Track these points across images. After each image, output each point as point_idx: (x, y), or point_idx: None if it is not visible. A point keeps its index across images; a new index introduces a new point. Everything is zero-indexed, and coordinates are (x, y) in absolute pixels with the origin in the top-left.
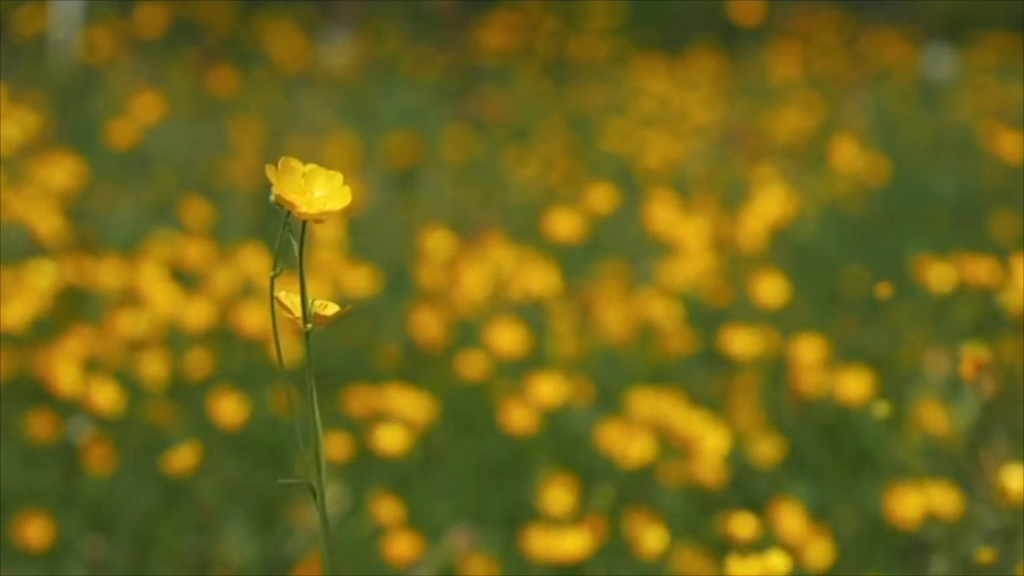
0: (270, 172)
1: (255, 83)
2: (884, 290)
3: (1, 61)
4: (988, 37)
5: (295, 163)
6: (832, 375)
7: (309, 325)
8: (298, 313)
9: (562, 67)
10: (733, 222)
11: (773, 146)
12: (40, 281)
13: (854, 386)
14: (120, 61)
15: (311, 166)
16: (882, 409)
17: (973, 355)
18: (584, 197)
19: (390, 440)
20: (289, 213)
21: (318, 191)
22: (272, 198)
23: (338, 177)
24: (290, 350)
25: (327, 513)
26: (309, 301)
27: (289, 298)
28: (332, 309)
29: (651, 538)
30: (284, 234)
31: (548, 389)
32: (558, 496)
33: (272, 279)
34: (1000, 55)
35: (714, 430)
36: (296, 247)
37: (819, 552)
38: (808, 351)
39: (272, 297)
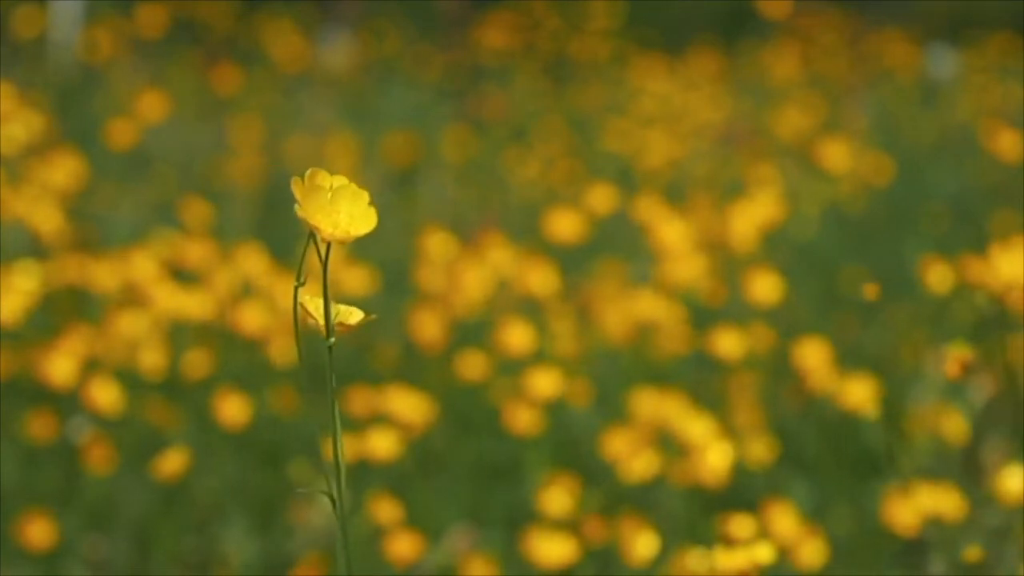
0: (296, 186)
1: (255, 83)
2: (871, 291)
3: (1, 61)
4: (989, 37)
5: (323, 178)
6: (835, 378)
7: (332, 339)
8: (323, 321)
9: (562, 67)
10: (724, 223)
11: (774, 146)
12: (26, 282)
13: (857, 390)
14: (120, 61)
15: (339, 182)
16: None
17: (958, 355)
18: (584, 197)
19: (387, 441)
20: (313, 230)
21: (343, 212)
22: (297, 212)
23: (364, 197)
24: (289, 352)
25: (326, 514)
26: (333, 310)
27: (314, 303)
28: (356, 316)
29: (642, 544)
30: (308, 245)
31: (546, 383)
32: (557, 497)
33: (296, 288)
34: (1001, 55)
35: (716, 432)
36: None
37: (812, 552)
38: (812, 354)
39: (295, 303)
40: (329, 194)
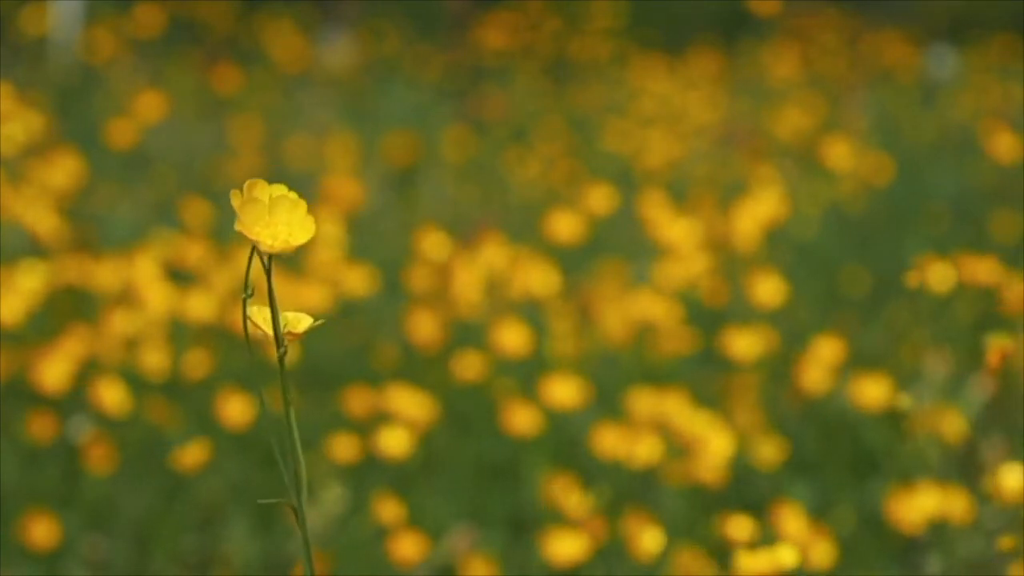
0: (234, 198)
1: (255, 83)
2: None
3: (1, 61)
4: (989, 37)
5: (261, 190)
6: (839, 376)
7: (283, 350)
8: (270, 331)
9: (562, 67)
10: (727, 222)
11: (774, 146)
12: (30, 281)
13: (863, 389)
14: (120, 61)
15: (277, 192)
16: (903, 403)
17: (999, 346)
18: (583, 197)
19: (391, 441)
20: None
21: (282, 223)
22: (236, 226)
23: (302, 206)
24: (290, 353)
25: (327, 515)
26: (281, 320)
27: (262, 314)
28: (304, 323)
29: (647, 540)
30: (253, 257)
31: (560, 392)
32: (569, 495)
33: (244, 300)
34: (1001, 55)
35: (717, 431)
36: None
37: (820, 553)
38: (820, 352)
39: (244, 316)
40: (267, 205)
